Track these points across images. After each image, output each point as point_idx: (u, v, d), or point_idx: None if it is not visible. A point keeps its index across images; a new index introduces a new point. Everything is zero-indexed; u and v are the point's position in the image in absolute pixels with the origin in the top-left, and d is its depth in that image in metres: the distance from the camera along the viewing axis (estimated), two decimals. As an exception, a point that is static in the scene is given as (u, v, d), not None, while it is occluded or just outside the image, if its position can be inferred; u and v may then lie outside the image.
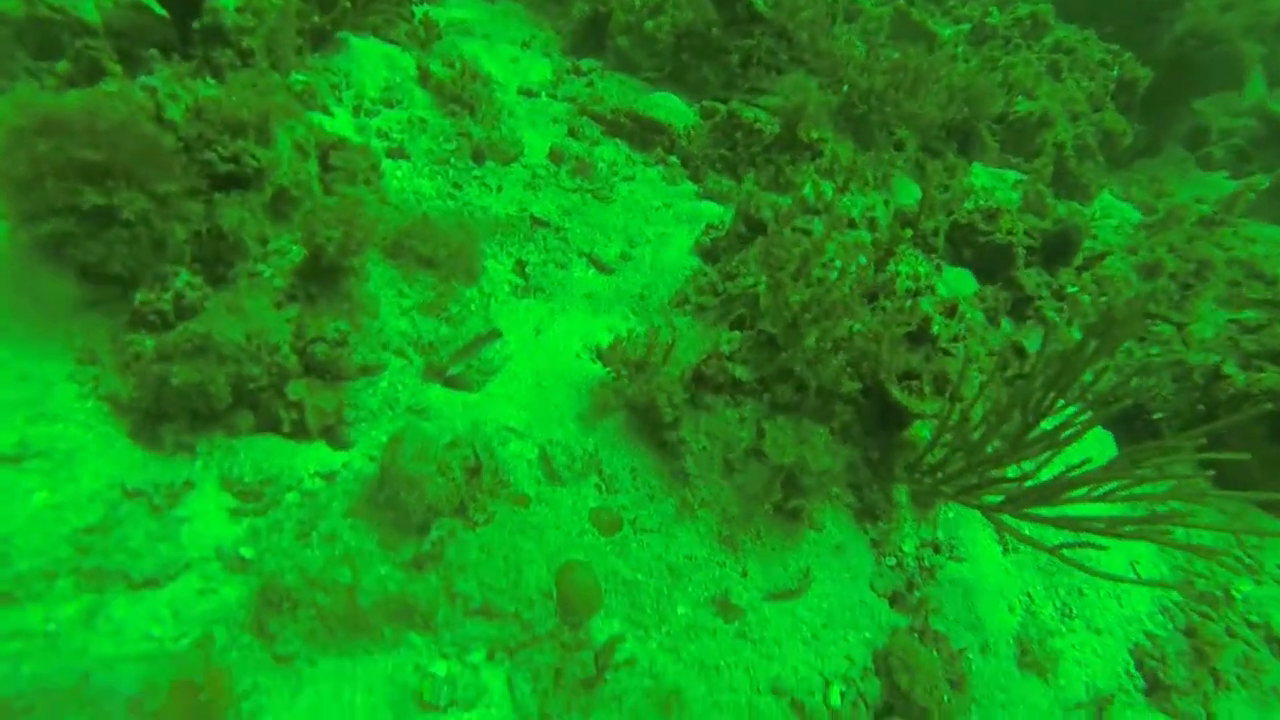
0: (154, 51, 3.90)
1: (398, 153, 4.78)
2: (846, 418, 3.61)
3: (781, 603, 3.32)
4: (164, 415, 3.11)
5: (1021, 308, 4.71)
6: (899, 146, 5.56)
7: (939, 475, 3.49)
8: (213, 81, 4.00)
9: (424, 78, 5.26)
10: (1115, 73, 7.89)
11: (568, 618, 3.06)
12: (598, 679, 2.85)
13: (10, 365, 3.06)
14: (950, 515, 3.75)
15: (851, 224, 4.19)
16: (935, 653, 3.14)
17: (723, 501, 3.53)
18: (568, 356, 4.00)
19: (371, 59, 5.12)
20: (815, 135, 5.15)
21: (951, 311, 3.72)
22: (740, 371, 3.67)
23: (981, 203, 4.97)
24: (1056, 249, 4.84)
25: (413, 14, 5.57)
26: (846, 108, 5.47)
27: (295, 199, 3.71)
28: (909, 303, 3.61)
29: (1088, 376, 4.81)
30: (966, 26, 7.70)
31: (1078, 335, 4.86)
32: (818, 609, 3.34)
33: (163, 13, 3.96)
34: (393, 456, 3.03)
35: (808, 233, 3.90)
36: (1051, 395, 3.16)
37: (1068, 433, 3.09)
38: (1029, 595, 3.64)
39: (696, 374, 3.64)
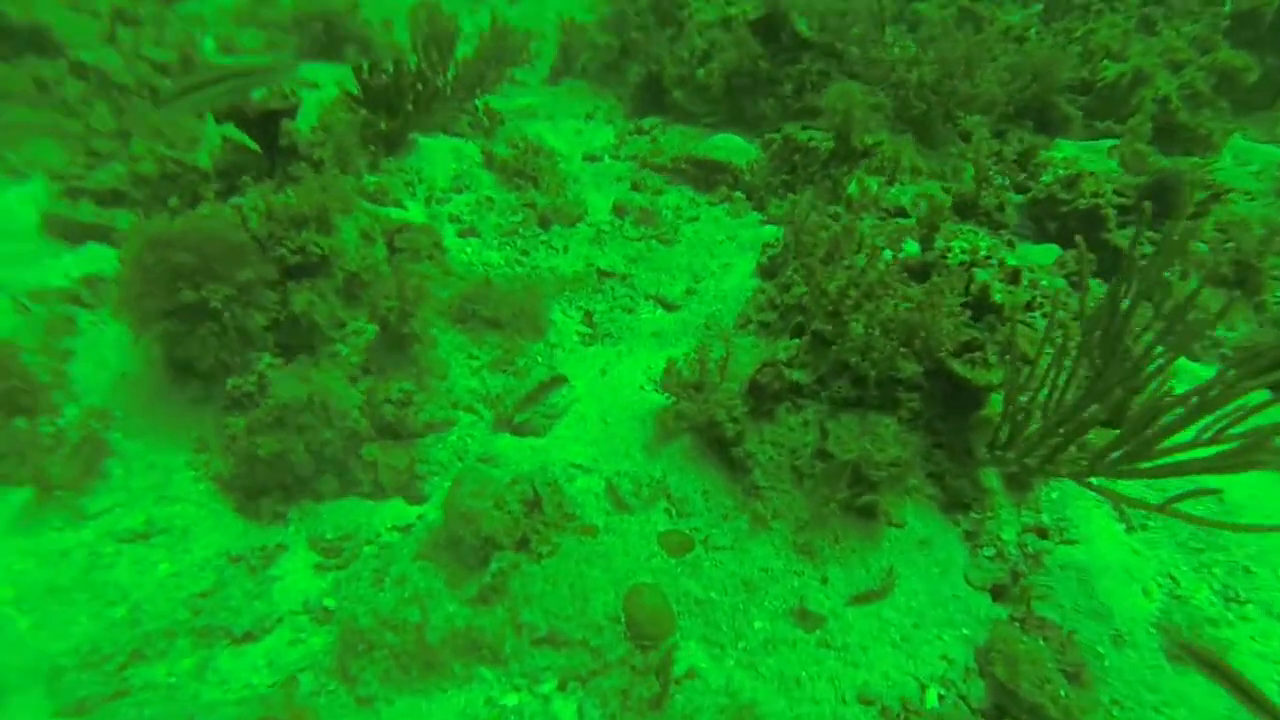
0: (247, 179, 4.50)
1: (469, 232, 5.15)
2: (914, 405, 3.40)
3: (865, 606, 3.11)
4: (260, 490, 3.45)
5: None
6: (965, 137, 5.31)
7: (1021, 448, 3.18)
8: (291, 191, 4.55)
9: (488, 161, 5.66)
10: (1228, 7, 7.18)
11: (639, 641, 3.03)
12: (663, 696, 2.78)
13: (142, 457, 3.53)
14: (1055, 495, 3.38)
15: (901, 212, 4.02)
16: (1041, 640, 2.80)
17: (795, 509, 3.39)
18: (632, 391, 4.06)
19: (440, 154, 5.59)
20: (869, 141, 5.04)
21: (1014, 278, 3.45)
22: (798, 375, 3.57)
23: (1060, 173, 4.62)
24: (1154, 201, 4.37)
25: (475, 107, 6.06)
26: (901, 107, 5.33)
27: (366, 282, 4.08)
28: (959, 274, 3.40)
29: (1221, 330, 4.29)
30: (1038, 7, 7.31)
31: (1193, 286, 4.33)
32: (906, 609, 3.09)
33: (256, 148, 4.57)
34: (452, 496, 3.18)
35: (836, 217, 3.79)
36: (1158, 351, 2.76)
37: (1213, 393, 2.57)
38: (1171, 577, 3.17)
39: (753, 385, 3.58)
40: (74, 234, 4.52)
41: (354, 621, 2.94)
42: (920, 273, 3.64)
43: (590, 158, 6.17)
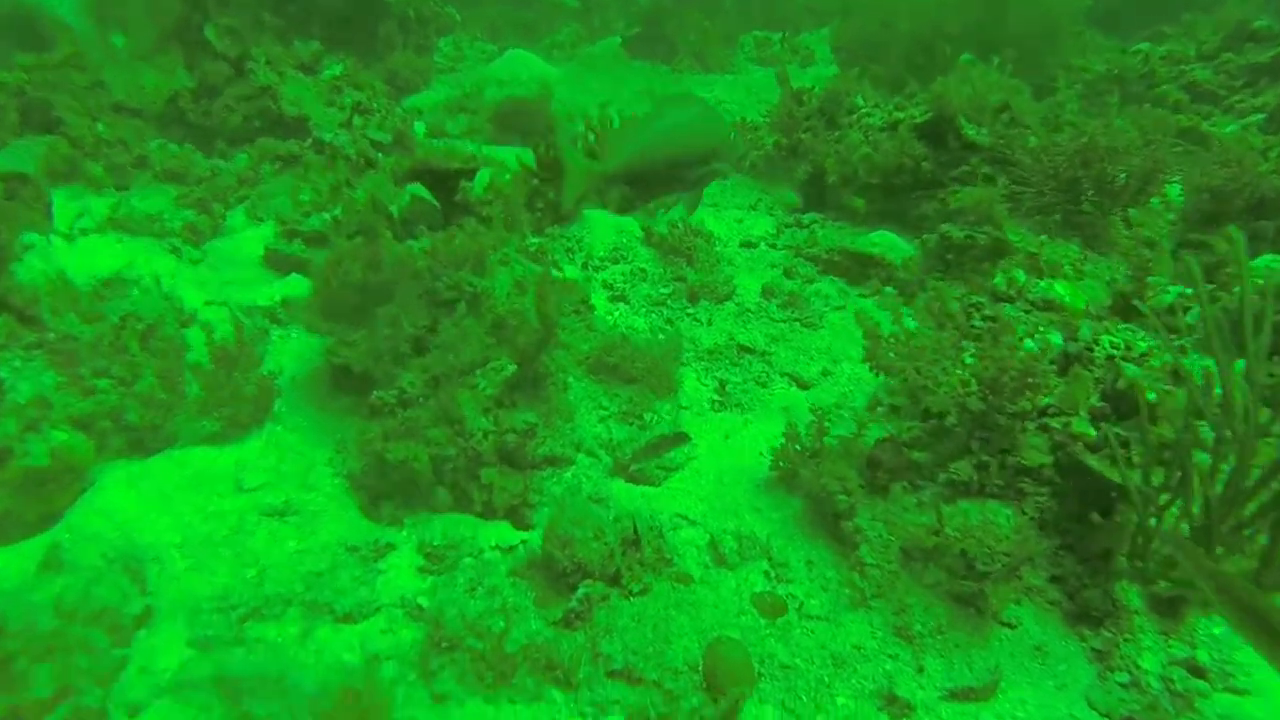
0: (423, 227, 5.07)
1: (619, 298, 5.44)
2: (1041, 498, 3.17)
3: (963, 704, 2.84)
4: (384, 494, 3.73)
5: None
6: (1144, 243, 5.05)
7: (1159, 565, 2.86)
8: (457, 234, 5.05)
9: (648, 237, 6.02)
10: None
11: (714, 694, 2.92)
12: (725, 747, 2.65)
13: (296, 448, 3.94)
14: (1217, 631, 2.97)
15: (1052, 306, 3.84)
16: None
17: (899, 591, 3.21)
18: (753, 456, 4.04)
19: (603, 227, 6.01)
20: (1031, 247, 4.92)
21: (1176, 375, 3.20)
22: (918, 455, 3.45)
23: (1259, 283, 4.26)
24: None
25: (644, 192, 6.51)
26: (1069, 204, 5.17)
27: (513, 326, 4.40)
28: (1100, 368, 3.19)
29: None
30: (1258, 117, 6.85)
31: None
32: (1010, 716, 2.79)
33: (435, 202, 5.17)
34: (554, 520, 3.29)
35: (978, 307, 3.69)
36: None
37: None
38: None
39: (871, 459, 3.49)
40: (284, 265, 5.24)
41: (442, 619, 3.06)
42: (1061, 367, 3.46)
43: (747, 244, 6.38)
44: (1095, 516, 3.02)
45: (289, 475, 3.76)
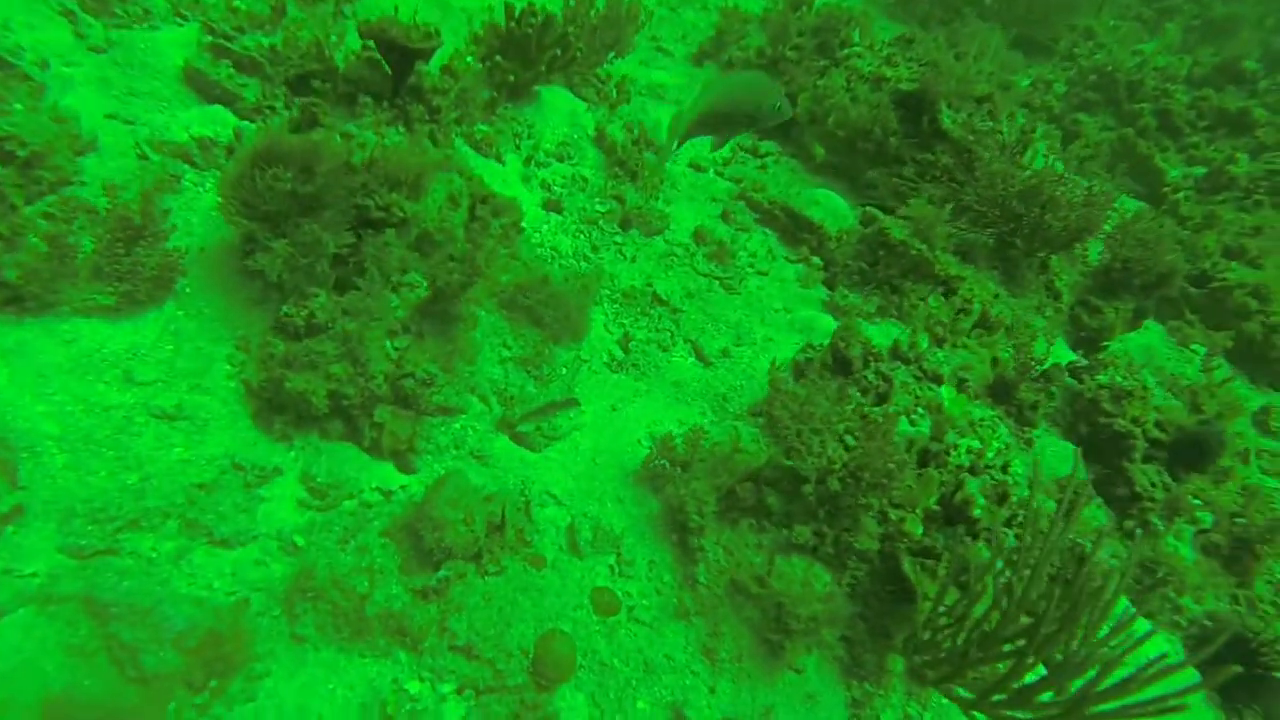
0: (368, 99, 4.71)
1: (554, 205, 5.33)
2: (859, 574, 3.64)
3: (736, 732, 3.47)
4: (280, 407, 3.84)
5: (1126, 506, 4.35)
6: (1053, 291, 5.28)
7: (929, 657, 3.43)
8: (402, 130, 4.76)
9: (599, 139, 5.77)
10: None
11: (538, 679, 3.42)
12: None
13: (194, 340, 3.92)
14: (945, 701, 3.66)
15: (938, 379, 4.12)
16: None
17: (719, 615, 3.71)
18: (630, 440, 4.32)
19: (558, 114, 5.70)
20: (954, 272, 5.05)
21: (1001, 499, 3.60)
22: (772, 500, 3.81)
23: (1118, 380, 4.62)
24: (1186, 455, 4.39)
25: (609, 75, 6.10)
26: (999, 241, 5.29)
27: (438, 242, 4.33)
28: (949, 478, 3.56)
29: (1188, 601, 4.38)
30: (1200, 170, 6.95)
31: (1185, 551, 4.41)
32: (770, 749, 3.44)
33: (387, 70, 4.75)
34: (431, 497, 3.54)
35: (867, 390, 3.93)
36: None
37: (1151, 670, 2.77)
38: None
39: (730, 491, 3.83)
40: (208, 92, 4.79)
41: (312, 569, 3.37)
42: (921, 459, 3.80)
43: (697, 166, 6.21)
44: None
45: (184, 373, 3.79)
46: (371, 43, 4.67)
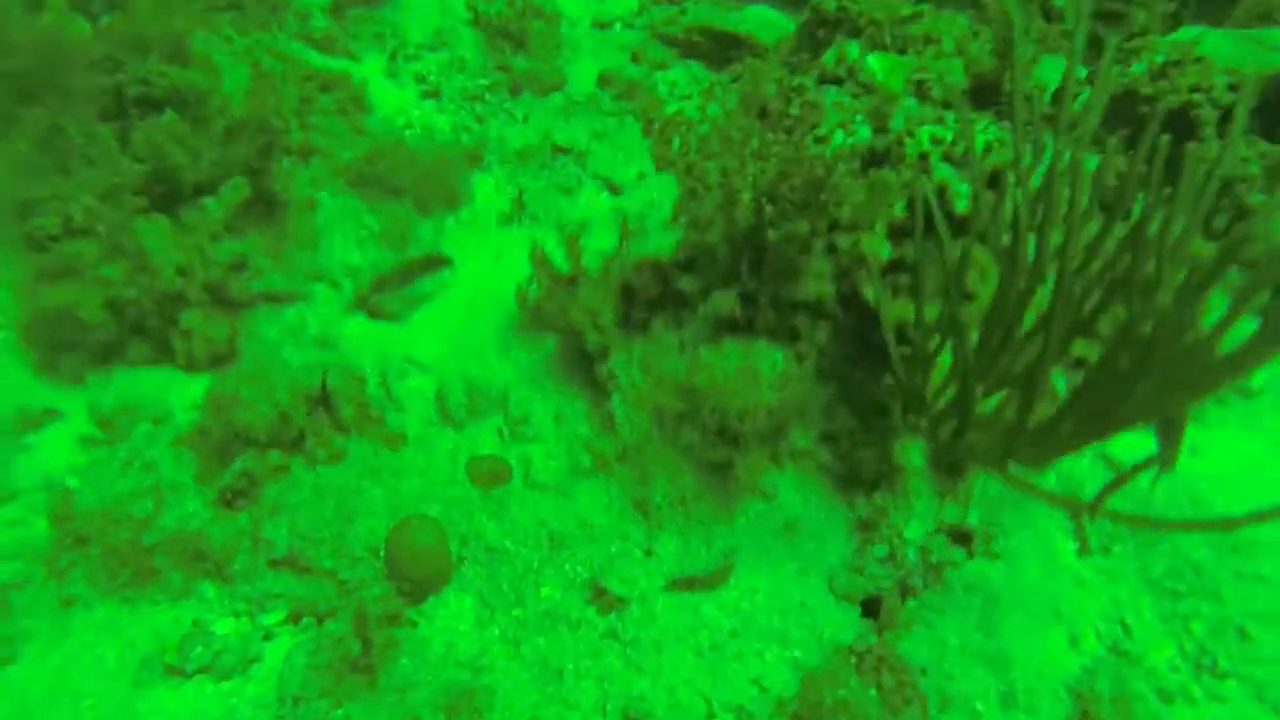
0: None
1: (431, 94, 4.51)
2: (820, 338, 2.50)
3: (683, 594, 2.34)
4: (67, 344, 3.06)
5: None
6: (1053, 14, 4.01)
7: (951, 419, 2.23)
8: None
9: (475, 19, 4.94)
10: None
11: (399, 584, 2.42)
12: (365, 658, 2.17)
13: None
14: (996, 492, 2.41)
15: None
16: (874, 690, 1.95)
17: (646, 456, 2.63)
18: (514, 282, 3.34)
19: (426, 5, 4.92)
20: (908, 11, 3.89)
21: (993, 180, 2.41)
22: (686, 283, 2.73)
23: (1157, 59, 3.33)
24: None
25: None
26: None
27: (240, 118, 3.52)
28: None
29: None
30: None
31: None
32: (732, 609, 2.29)
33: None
34: (220, 380, 2.65)
35: (799, 90, 2.82)
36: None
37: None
38: (1123, 624, 2.17)
39: (625, 287, 2.79)
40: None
41: (74, 507, 2.51)
42: (869, 164, 2.65)
43: (601, 24, 5.28)
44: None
45: (-58, 331, 3.08)
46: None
